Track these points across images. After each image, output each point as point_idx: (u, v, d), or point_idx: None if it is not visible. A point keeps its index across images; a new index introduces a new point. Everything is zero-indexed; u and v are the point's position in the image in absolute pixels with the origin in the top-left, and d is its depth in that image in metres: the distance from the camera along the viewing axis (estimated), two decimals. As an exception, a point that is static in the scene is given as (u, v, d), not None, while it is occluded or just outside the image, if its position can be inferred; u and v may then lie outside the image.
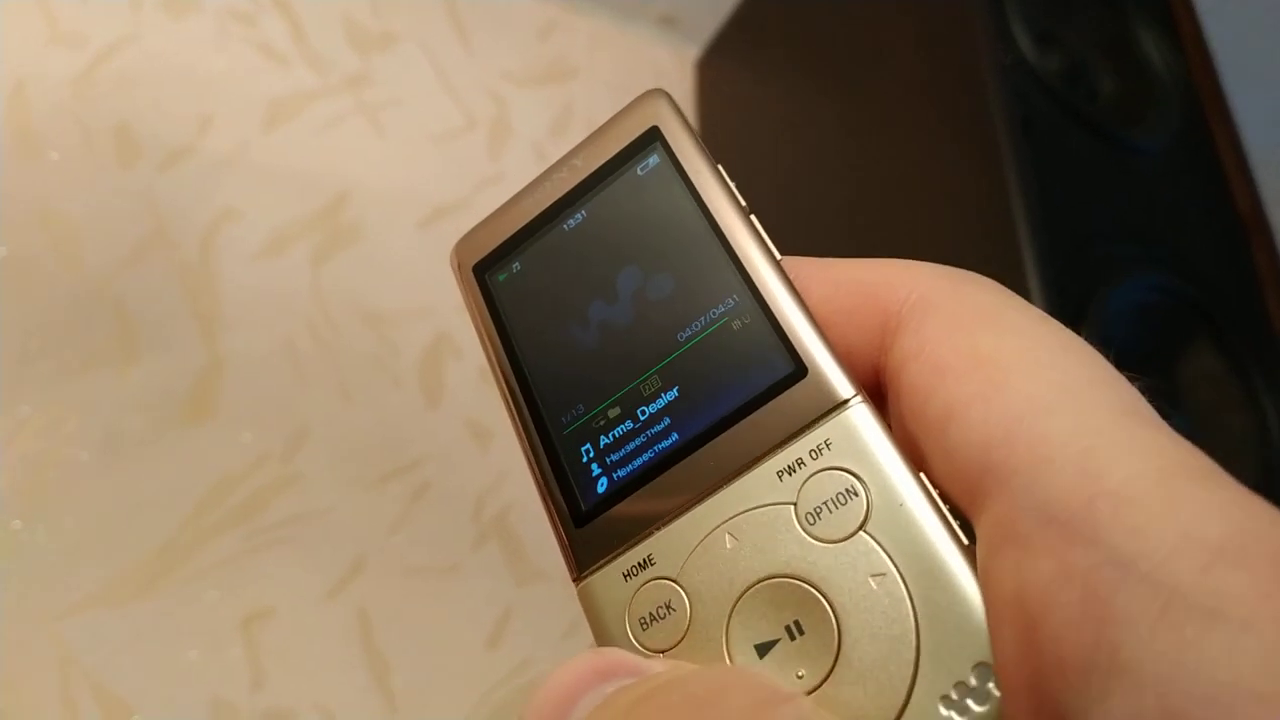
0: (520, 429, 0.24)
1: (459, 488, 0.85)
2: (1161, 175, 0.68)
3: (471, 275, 0.26)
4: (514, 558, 0.84)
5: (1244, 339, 0.64)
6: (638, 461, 0.22)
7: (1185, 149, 0.71)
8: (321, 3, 1.01)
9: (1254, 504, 0.14)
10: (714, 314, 0.22)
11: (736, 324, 0.21)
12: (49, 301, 0.78)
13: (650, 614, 0.20)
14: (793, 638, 0.18)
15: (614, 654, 0.18)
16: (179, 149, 0.88)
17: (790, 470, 0.19)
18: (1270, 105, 1.31)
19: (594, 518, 0.22)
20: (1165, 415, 0.49)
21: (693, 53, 1.20)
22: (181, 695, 0.70)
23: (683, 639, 0.19)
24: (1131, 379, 0.18)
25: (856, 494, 0.18)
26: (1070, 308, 0.55)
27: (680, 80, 1.18)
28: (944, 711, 0.16)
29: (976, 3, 0.65)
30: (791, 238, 0.77)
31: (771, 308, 0.21)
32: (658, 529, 0.20)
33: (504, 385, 0.24)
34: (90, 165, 0.84)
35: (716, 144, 1.09)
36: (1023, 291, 0.54)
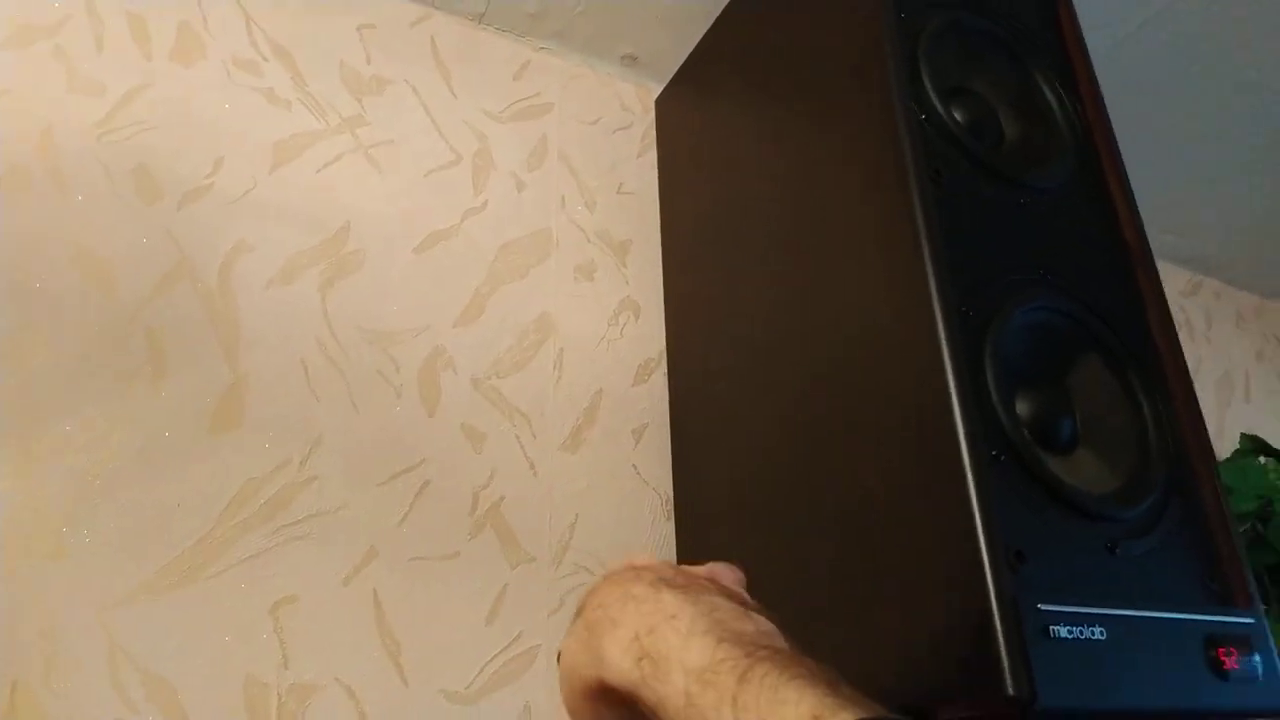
0: None
1: (456, 484, 0.92)
2: (1059, 210, 0.77)
3: None
4: (507, 544, 0.92)
5: (1127, 350, 0.73)
6: None
7: (1080, 186, 0.80)
8: (318, 50, 1.07)
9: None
10: None
11: None
12: (86, 330, 0.83)
13: None
14: None
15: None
16: (195, 188, 0.94)
17: None
18: (1152, 145, 1.42)
19: None
20: (1060, 418, 0.59)
21: (655, 88, 1.27)
22: (218, 675, 0.76)
23: None
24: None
25: None
26: (972, 331, 0.63)
27: (643, 114, 1.25)
28: None
29: (894, 63, 0.74)
30: (734, 265, 0.86)
31: None
32: None
33: None
34: (115, 205, 0.90)
35: (673, 175, 1.17)
36: (928, 317, 0.63)
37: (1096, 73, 0.89)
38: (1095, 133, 0.83)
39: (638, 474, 1.02)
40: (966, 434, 0.60)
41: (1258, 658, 0.63)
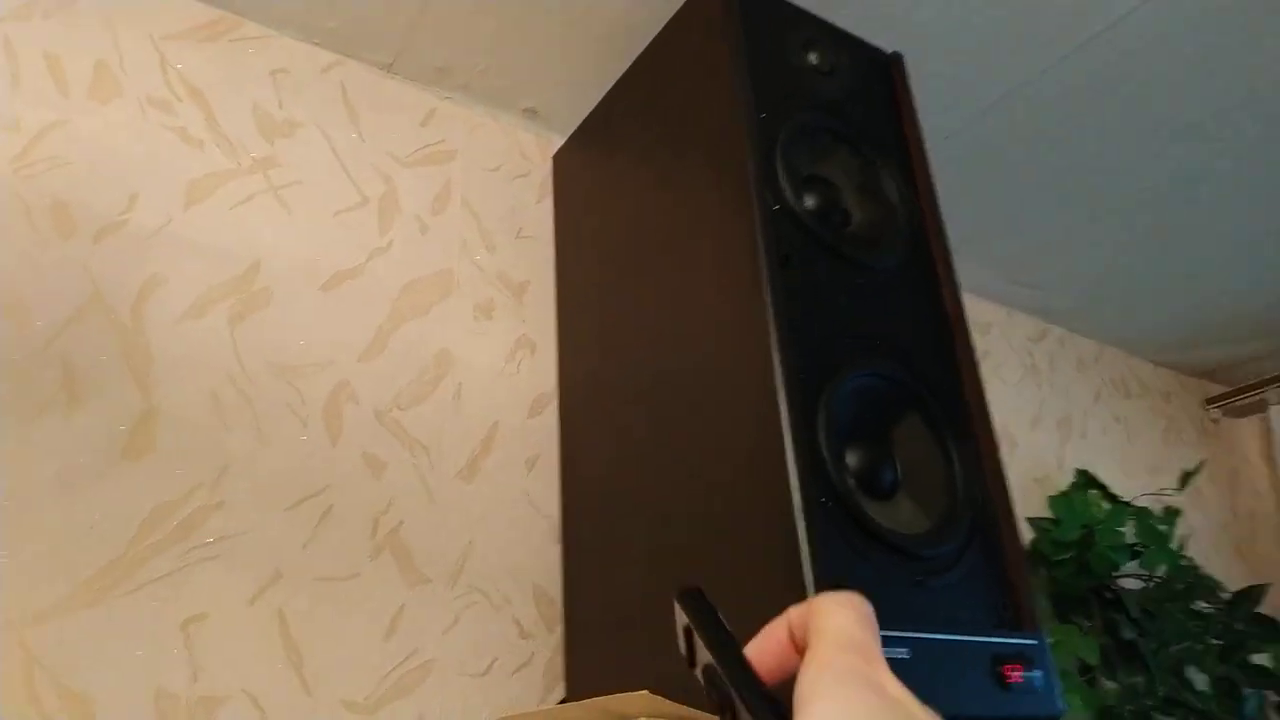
0: None
1: (358, 510, 0.99)
2: (891, 287, 0.89)
3: None
4: (405, 567, 0.99)
5: (943, 411, 0.86)
6: None
7: (911, 266, 0.92)
8: (232, 91, 1.13)
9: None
10: None
11: None
12: (4, 358, 0.88)
13: None
14: None
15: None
16: (110, 223, 0.98)
17: None
18: (1006, 209, 1.59)
19: None
20: (883, 469, 0.70)
21: (555, 140, 1.36)
22: (131, 688, 0.81)
23: None
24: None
25: None
26: (808, 393, 0.74)
27: (541, 164, 1.34)
28: None
29: (753, 159, 0.84)
30: (618, 311, 0.97)
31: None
32: None
33: None
34: (32, 237, 0.94)
35: (567, 224, 1.26)
36: (770, 379, 0.73)
37: (957, 147, 1.02)
38: (926, 219, 0.96)
39: (529, 501, 1.11)
40: (799, 482, 0.71)
41: (1038, 672, 0.76)
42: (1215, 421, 2.30)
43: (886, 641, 0.65)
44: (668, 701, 0.65)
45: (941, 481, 0.83)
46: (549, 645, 1.02)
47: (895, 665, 0.63)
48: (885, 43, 1.11)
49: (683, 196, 0.96)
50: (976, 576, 0.79)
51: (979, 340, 1.82)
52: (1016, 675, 0.74)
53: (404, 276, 1.15)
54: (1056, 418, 1.89)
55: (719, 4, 0.98)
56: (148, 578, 0.85)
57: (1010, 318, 1.95)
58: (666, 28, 1.07)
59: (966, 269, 1.49)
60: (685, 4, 1.04)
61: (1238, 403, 2.28)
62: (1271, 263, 1.82)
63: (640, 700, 0.65)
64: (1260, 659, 1.48)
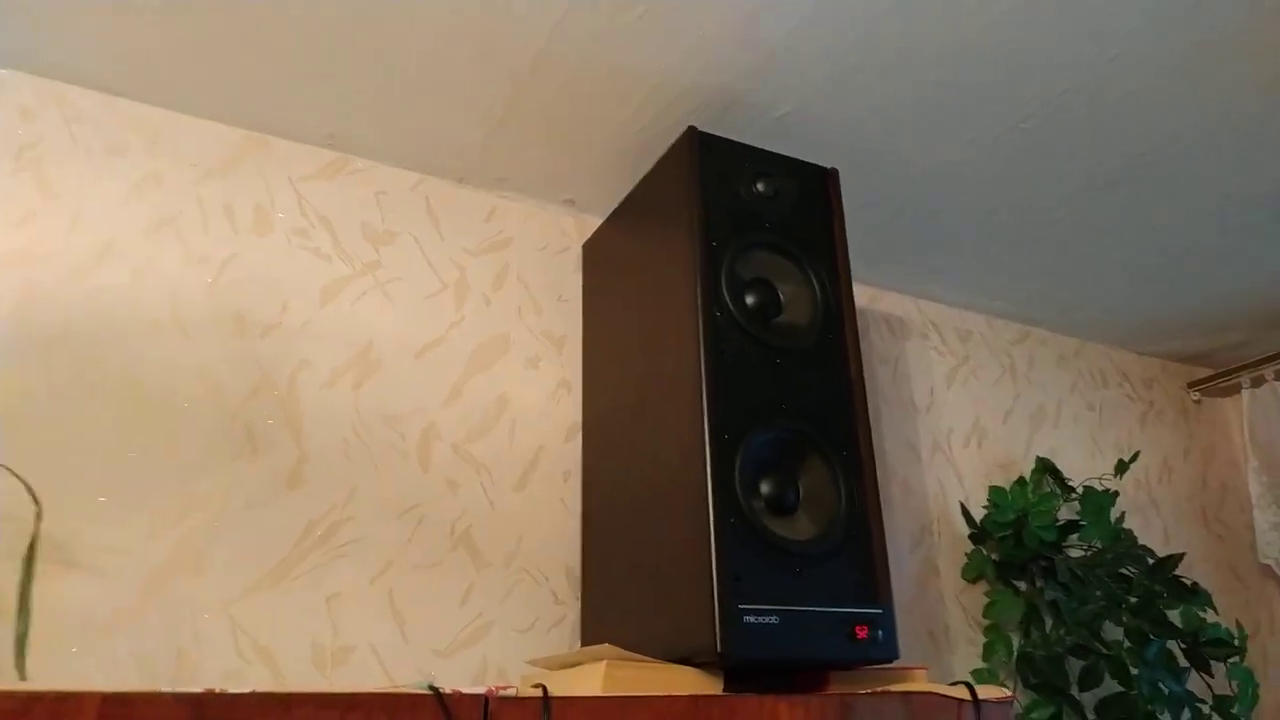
0: None
1: (441, 517, 1.38)
2: (806, 363, 1.21)
3: None
4: (474, 555, 1.38)
5: (835, 452, 1.18)
6: None
7: (824, 346, 1.24)
8: (348, 214, 1.51)
9: None
10: None
11: None
12: (209, 424, 1.29)
13: None
14: None
15: None
16: (270, 324, 1.38)
17: None
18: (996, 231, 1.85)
19: None
20: (787, 494, 1.05)
21: (588, 219, 1.71)
22: (297, 642, 1.22)
23: None
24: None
25: None
26: (729, 445, 1.07)
27: (578, 239, 1.69)
28: None
29: (700, 278, 1.18)
30: (620, 366, 1.37)
31: None
32: None
33: None
34: (221, 339, 1.35)
35: (591, 297, 1.60)
36: (701, 436, 1.08)
37: (851, 263, 1.32)
38: (844, 305, 1.28)
39: (563, 505, 1.49)
40: (714, 509, 1.06)
41: (880, 631, 1.09)
42: (1197, 402, 2.50)
43: (760, 613, 1.00)
44: (624, 651, 1.02)
45: (831, 503, 1.16)
46: (575, 610, 1.40)
47: (764, 628, 0.99)
48: (825, 159, 1.42)
49: (660, 295, 1.30)
50: (847, 568, 1.12)
51: (959, 347, 2.11)
52: (864, 633, 1.08)
53: (473, 341, 1.53)
54: (1030, 411, 2.16)
55: (685, 147, 1.31)
56: (304, 570, 1.26)
57: (990, 325, 2.21)
58: (659, 161, 1.39)
59: (947, 288, 1.80)
60: (674, 144, 1.37)
61: (1220, 384, 2.48)
62: (1254, 254, 1.96)
63: (606, 649, 1.02)
64: (1173, 617, 1.75)
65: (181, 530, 1.22)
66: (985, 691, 1.10)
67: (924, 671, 1.16)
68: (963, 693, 1.09)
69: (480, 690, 0.84)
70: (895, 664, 1.12)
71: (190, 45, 1.30)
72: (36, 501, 1.03)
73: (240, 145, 1.46)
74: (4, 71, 1.34)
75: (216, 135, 1.45)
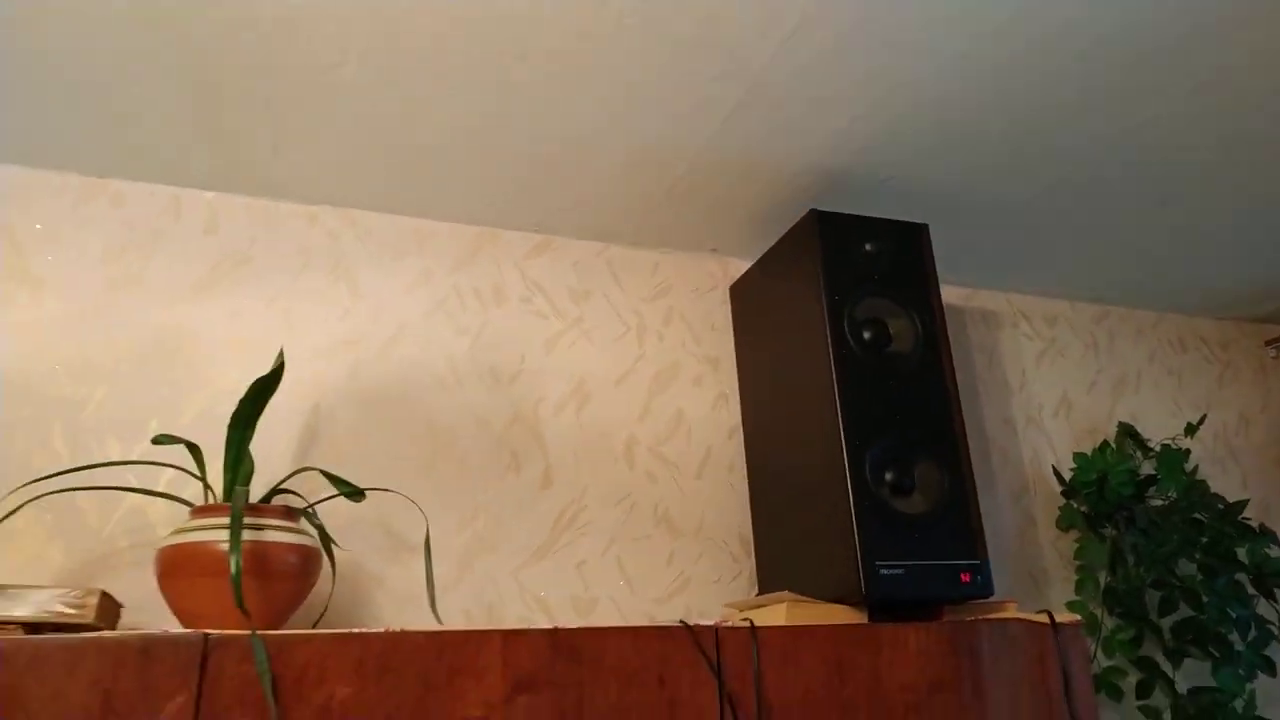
0: None
1: (647, 502, 1.84)
2: (912, 379, 1.61)
3: None
4: (671, 530, 1.84)
5: (940, 452, 1.57)
6: None
7: (926, 365, 1.63)
8: (556, 281, 1.97)
9: None
10: None
11: None
12: (483, 449, 1.78)
13: None
14: None
15: None
16: (514, 372, 1.87)
17: None
18: (1076, 227, 2.16)
19: None
20: (906, 480, 1.52)
21: (730, 263, 2.13)
22: (561, 595, 1.72)
23: None
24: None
25: None
26: (858, 450, 1.49)
27: (724, 280, 2.11)
28: None
29: (828, 327, 1.58)
30: (770, 383, 1.88)
31: None
32: None
33: None
34: (483, 386, 1.83)
35: (740, 328, 2.02)
36: (839, 447, 1.50)
37: (943, 294, 1.70)
38: (938, 335, 1.67)
39: (732, 489, 1.93)
40: (854, 495, 1.47)
41: (980, 577, 1.49)
42: (1275, 358, 2.73)
43: (891, 566, 1.44)
44: (797, 595, 1.46)
45: (937, 487, 1.56)
46: (749, 567, 1.85)
47: (894, 577, 1.42)
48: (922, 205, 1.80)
49: (798, 333, 1.71)
50: (949, 532, 1.53)
51: (1047, 331, 2.45)
52: (966, 578, 1.48)
53: (654, 369, 1.98)
54: (1112, 381, 2.47)
55: (811, 223, 1.71)
56: (560, 546, 1.75)
57: (1074, 308, 2.52)
58: (790, 230, 1.79)
59: (1032, 283, 2.11)
60: (801, 219, 1.76)
61: (1295, 341, 2.70)
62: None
63: (785, 595, 1.46)
64: (1241, 555, 2.06)
65: (476, 525, 1.72)
66: (1060, 616, 1.49)
67: (1014, 604, 1.56)
68: (1043, 618, 1.49)
69: (711, 623, 1.30)
70: (991, 599, 1.52)
71: (444, 169, 1.78)
72: (423, 514, 1.54)
73: (476, 239, 1.94)
74: (315, 208, 1.85)
75: (460, 234, 1.93)
